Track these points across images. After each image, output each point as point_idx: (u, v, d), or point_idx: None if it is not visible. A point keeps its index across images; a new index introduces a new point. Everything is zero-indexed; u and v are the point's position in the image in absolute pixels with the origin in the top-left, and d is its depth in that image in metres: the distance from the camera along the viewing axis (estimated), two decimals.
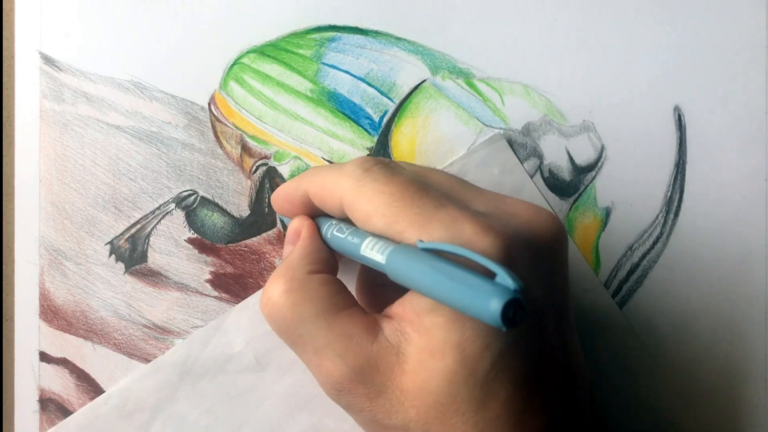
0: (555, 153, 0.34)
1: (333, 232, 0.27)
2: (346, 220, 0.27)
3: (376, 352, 0.23)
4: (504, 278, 0.20)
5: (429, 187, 0.24)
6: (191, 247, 0.33)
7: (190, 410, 0.32)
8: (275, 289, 0.25)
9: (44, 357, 0.33)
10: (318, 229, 0.27)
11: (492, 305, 0.19)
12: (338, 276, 0.26)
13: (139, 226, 0.33)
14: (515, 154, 0.33)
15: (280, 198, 0.29)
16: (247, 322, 0.32)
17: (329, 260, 0.27)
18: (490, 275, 0.20)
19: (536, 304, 0.23)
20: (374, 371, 0.23)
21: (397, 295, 0.25)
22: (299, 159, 0.34)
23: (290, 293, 0.24)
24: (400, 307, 0.24)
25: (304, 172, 0.28)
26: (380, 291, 0.28)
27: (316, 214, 0.28)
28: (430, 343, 0.22)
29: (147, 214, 0.33)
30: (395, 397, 0.23)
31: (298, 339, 0.24)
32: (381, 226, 0.23)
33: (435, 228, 0.22)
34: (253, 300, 0.33)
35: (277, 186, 0.33)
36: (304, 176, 0.27)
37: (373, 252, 0.24)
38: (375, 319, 0.24)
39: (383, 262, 0.23)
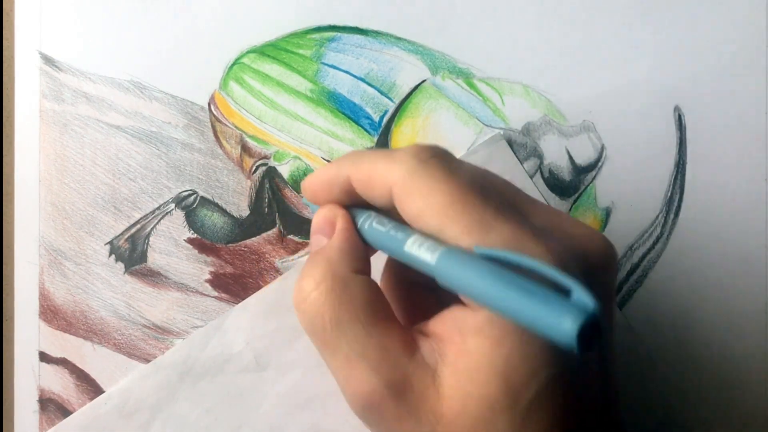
0: (555, 153, 0.34)
1: (373, 224, 0.24)
2: (383, 213, 0.25)
3: (412, 370, 0.22)
4: (581, 296, 0.18)
5: (489, 192, 0.22)
6: (191, 247, 0.33)
7: (190, 410, 0.32)
8: (314, 285, 0.23)
9: (44, 357, 0.33)
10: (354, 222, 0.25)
11: (567, 324, 0.17)
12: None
13: (138, 226, 0.33)
14: (515, 154, 0.33)
15: (316, 183, 0.26)
16: (247, 322, 0.32)
17: (368, 260, 0.25)
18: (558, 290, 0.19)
19: None
20: (408, 390, 0.22)
21: (427, 304, 0.24)
22: (299, 159, 0.33)
23: (330, 293, 0.23)
24: (440, 325, 0.22)
25: (343, 156, 0.26)
26: (409, 298, 0.26)
27: (352, 204, 0.25)
28: (471, 368, 0.21)
29: (147, 214, 0.33)
30: (427, 420, 0.21)
31: (330, 342, 0.23)
32: (434, 226, 0.22)
33: (493, 240, 0.21)
34: (253, 300, 0.33)
35: (278, 186, 0.33)
36: (345, 161, 0.25)
37: (421, 250, 0.22)
38: (413, 336, 0.23)
39: (432, 262, 0.21)
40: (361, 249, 0.24)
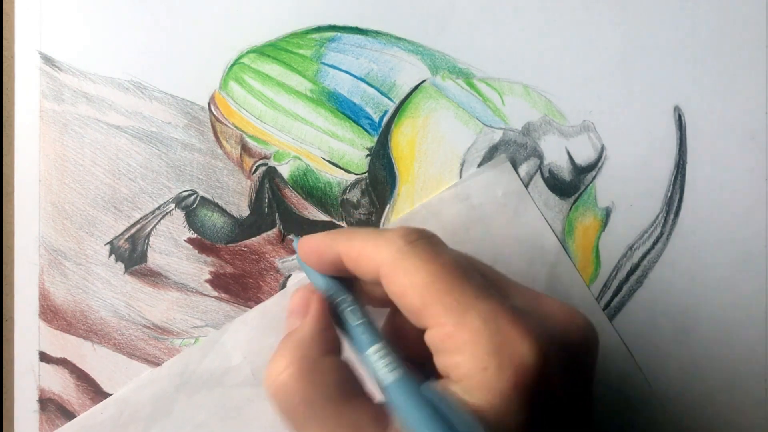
0: (555, 153, 0.34)
1: (345, 311, 0.26)
2: (361, 302, 0.27)
3: None
4: None
5: (471, 273, 0.23)
6: (191, 247, 0.33)
7: (185, 423, 0.32)
8: (283, 367, 0.24)
9: (44, 357, 0.33)
10: (330, 305, 0.26)
11: None
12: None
13: (138, 226, 0.33)
14: (519, 176, 0.33)
15: (309, 249, 0.27)
16: (245, 336, 0.33)
17: (338, 340, 0.26)
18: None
19: (563, 412, 0.22)
20: None
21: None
22: (299, 159, 0.34)
23: (299, 374, 0.23)
24: None
25: (338, 231, 0.27)
26: None
27: (341, 275, 0.27)
28: None
29: (147, 214, 0.33)
30: None
31: (303, 423, 0.23)
32: (416, 304, 0.23)
33: (473, 319, 0.22)
34: (251, 315, 0.33)
35: (278, 186, 0.33)
36: (339, 236, 0.26)
37: (380, 364, 0.24)
38: (384, 410, 0.23)
39: (386, 383, 0.23)
40: (332, 330, 0.26)
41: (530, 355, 0.21)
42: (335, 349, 0.25)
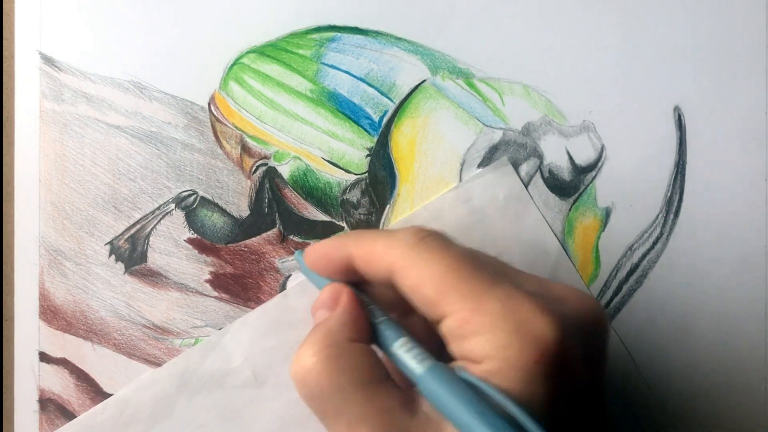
0: (555, 153, 0.34)
1: (366, 309, 0.26)
2: (375, 295, 0.27)
3: (415, 428, 0.22)
4: None
5: (482, 263, 0.24)
6: (191, 247, 0.33)
7: (186, 424, 0.32)
8: (311, 353, 0.24)
9: (44, 357, 0.33)
10: (357, 298, 0.26)
11: None
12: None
13: (138, 226, 0.33)
14: (521, 179, 0.33)
15: (317, 255, 0.27)
16: (246, 337, 0.32)
17: (368, 330, 0.26)
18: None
19: (582, 388, 0.23)
20: None
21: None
22: (299, 159, 0.34)
23: (329, 360, 0.24)
24: None
25: (346, 234, 0.27)
26: None
27: (351, 279, 0.27)
28: None
29: (147, 215, 0.33)
30: None
31: (331, 409, 0.23)
32: (432, 296, 0.23)
33: (489, 302, 0.22)
34: (252, 316, 0.33)
35: (278, 186, 0.33)
36: (348, 239, 0.26)
37: (408, 356, 0.24)
38: (412, 394, 0.24)
39: (419, 373, 0.23)
40: (362, 321, 0.26)
41: (550, 331, 0.22)
42: (364, 337, 0.25)
